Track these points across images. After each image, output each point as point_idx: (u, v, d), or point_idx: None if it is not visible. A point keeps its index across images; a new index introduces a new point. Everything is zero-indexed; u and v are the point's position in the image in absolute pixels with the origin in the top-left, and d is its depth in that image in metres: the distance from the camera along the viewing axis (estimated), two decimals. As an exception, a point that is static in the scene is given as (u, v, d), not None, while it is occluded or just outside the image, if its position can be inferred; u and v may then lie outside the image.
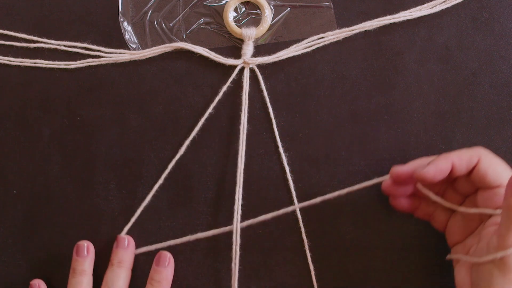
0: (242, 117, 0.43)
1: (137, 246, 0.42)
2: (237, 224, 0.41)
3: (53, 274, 0.42)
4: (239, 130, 0.43)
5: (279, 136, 0.43)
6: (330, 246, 0.43)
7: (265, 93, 0.44)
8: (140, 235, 0.43)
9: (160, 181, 0.43)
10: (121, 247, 0.41)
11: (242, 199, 0.42)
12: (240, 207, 0.42)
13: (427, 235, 0.42)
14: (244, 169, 0.43)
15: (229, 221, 0.43)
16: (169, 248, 0.42)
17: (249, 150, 0.43)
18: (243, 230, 0.42)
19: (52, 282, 0.42)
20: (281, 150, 0.43)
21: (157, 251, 0.42)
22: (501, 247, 0.32)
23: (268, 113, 0.44)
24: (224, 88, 0.43)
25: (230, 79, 0.43)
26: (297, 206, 0.42)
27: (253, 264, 0.42)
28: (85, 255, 0.41)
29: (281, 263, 0.42)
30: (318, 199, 0.41)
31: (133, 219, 0.43)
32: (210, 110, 0.43)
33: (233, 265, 0.41)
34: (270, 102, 0.44)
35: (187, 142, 0.43)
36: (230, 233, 0.42)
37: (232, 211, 0.42)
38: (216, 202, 0.43)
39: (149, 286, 0.41)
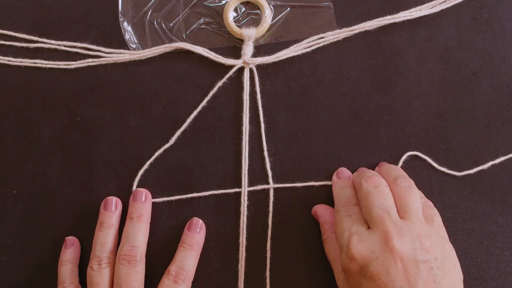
0: (244, 118, 0.43)
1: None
2: (243, 225, 0.42)
3: (54, 274, 0.42)
4: (239, 129, 0.43)
5: (279, 136, 0.43)
6: (330, 246, 0.43)
7: (258, 95, 0.43)
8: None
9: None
10: (139, 201, 0.42)
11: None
12: (246, 208, 0.42)
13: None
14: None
15: (230, 221, 0.43)
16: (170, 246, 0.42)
17: (250, 150, 0.43)
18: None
19: (52, 282, 0.42)
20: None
21: (172, 202, 0.43)
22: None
23: (267, 113, 0.44)
24: (220, 83, 0.43)
25: (227, 76, 0.43)
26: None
27: (253, 264, 0.42)
28: (113, 210, 0.42)
29: (281, 263, 0.42)
30: None
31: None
32: (204, 103, 0.43)
33: (239, 266, 0.42)
34: (270, 102, 0.44)
35: (178, 133, 0.43)
36: (231, 233, 0.42)
37: (233, 211, 0.42)
38: (216, 203, 0.43)
39: (181, 249, 0.41)
